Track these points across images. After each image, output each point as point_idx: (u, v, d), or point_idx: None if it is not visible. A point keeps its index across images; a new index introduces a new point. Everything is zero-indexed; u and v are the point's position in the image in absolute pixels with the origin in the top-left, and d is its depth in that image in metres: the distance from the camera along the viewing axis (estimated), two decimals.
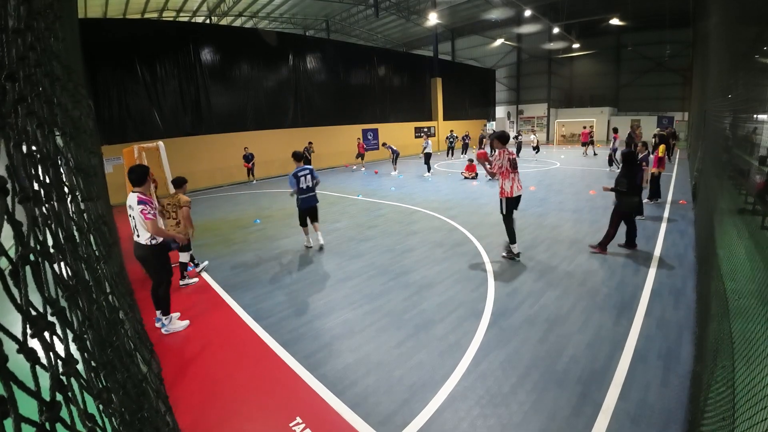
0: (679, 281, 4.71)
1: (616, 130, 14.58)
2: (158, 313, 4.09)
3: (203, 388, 3.17)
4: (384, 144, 17.25)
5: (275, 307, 4.55)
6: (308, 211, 6.46)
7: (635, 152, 5.99)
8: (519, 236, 6.19)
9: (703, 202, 5.84)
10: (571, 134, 29.91)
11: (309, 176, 6.29)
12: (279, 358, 3.51)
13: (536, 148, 17.87)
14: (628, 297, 4.34)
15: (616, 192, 5.64)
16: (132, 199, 3.77)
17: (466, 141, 21.59)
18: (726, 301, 2.35)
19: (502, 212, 5.61)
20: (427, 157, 15.26)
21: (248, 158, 15.00)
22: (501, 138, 5.61)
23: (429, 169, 15.31)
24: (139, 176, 3.81)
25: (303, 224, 6.62)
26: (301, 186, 6.23)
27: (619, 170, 6.01)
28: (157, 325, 4.11)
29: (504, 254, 5.75)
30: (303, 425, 2.68)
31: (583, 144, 19.97)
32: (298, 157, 6.45)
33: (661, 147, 8.77)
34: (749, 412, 1.36)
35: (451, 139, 19.91)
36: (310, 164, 16.33)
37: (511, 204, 5.52)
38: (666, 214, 7.78)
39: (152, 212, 3.73)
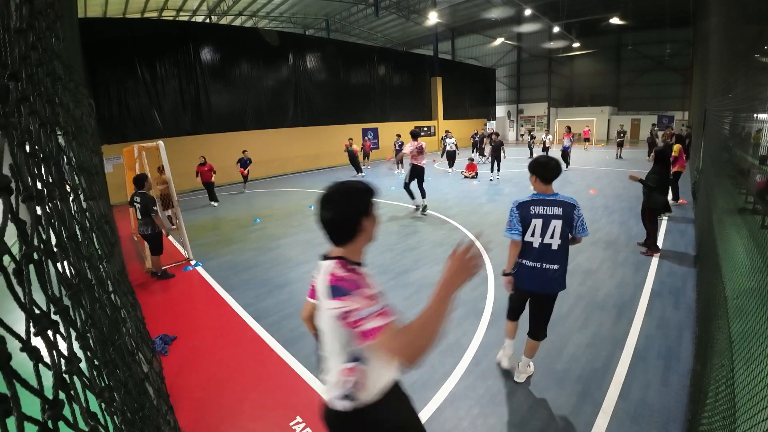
0: (679, 280, 4.71)
1: (569, 129, 14.64)
2: None
3: (203, 387, 3.17)
4: (398, 135, 17.17)
5: (275, 306, 4.55)
6: (534, 299, 2.78)
7: (668, 151, 5.92)
8: None
9: (703, 201, 5.84)
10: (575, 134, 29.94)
11: (557, 217, 2.47)
12: (279, 358, 3.52)
13: (546, 150, 17.13)
14: (628, 296, 4.35)
15: (645, 186, 5.49)
16: None
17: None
18: (725, 300, 2.35)
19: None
20: (449, 155, 15.72)
21: (245, 163, 12.66)
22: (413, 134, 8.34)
23: (450, 166, 15.85)
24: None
25: (514, 317, 3.02)
26: (531, 241, 2.55)
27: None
28: None
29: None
30: (303, 424, 2.68)
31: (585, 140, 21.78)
32: (548, 173, 2.52)
33: (676, 146, 8.47)
34: (750, 412, 1.36)
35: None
36: (359, 168, 15.66)
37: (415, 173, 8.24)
38: (666, 214, 7.77)
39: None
